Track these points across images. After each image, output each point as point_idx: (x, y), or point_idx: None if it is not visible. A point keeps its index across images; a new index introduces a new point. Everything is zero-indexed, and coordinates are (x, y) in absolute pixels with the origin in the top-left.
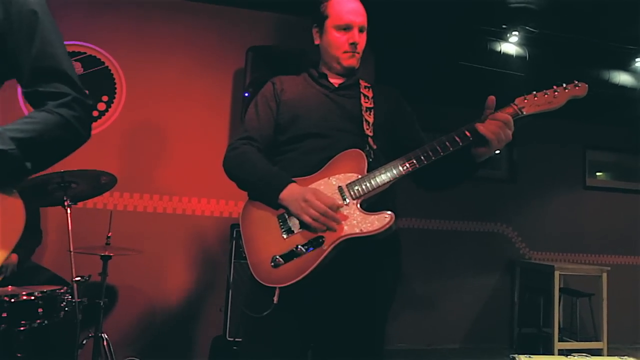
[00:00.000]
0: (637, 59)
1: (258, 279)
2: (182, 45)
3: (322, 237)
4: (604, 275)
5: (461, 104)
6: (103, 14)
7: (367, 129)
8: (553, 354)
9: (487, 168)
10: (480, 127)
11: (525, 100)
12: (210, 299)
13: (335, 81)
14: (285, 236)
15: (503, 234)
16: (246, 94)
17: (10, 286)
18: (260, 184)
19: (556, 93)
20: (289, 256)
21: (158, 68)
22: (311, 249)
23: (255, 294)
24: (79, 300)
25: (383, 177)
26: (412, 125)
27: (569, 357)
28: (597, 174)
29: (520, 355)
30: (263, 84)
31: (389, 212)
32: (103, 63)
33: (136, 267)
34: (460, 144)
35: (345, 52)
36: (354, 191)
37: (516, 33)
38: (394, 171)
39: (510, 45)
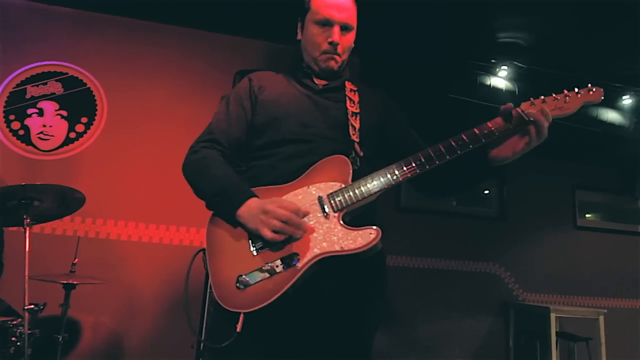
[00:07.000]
0: (624, 97)
1: (220, 302)
2: (168, 69)
3: (296, 254)
4: (601, 318)
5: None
6: (88, 35)
7: (353, 134)
8: None
9: (478, 205)
10: (531, 113)
11: (533, 106)
12: (183, 333)
13: (320, 82)
14: (255, 253)
15: (495, 274)
16: None
17: None
18: (217, 199)
19: (567, 98)
20: (257, 276)
21: (142, 91)
22: (284, 268)
23: (217, 319)
24: (29, 332)
25: (370, 186)
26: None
27: None
28: (587, 215)
29: None
30: None
31: (375, 228)
32: (85, 84)
33: (102, 298)
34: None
35: (324, 52)
36: (335, 202)
37: (505, 67)
38: (384, 179)
39: (500, 80)
